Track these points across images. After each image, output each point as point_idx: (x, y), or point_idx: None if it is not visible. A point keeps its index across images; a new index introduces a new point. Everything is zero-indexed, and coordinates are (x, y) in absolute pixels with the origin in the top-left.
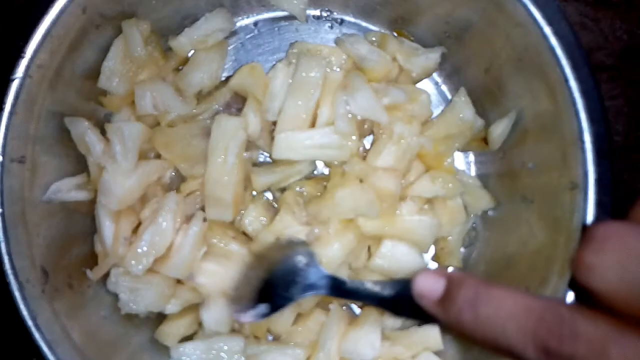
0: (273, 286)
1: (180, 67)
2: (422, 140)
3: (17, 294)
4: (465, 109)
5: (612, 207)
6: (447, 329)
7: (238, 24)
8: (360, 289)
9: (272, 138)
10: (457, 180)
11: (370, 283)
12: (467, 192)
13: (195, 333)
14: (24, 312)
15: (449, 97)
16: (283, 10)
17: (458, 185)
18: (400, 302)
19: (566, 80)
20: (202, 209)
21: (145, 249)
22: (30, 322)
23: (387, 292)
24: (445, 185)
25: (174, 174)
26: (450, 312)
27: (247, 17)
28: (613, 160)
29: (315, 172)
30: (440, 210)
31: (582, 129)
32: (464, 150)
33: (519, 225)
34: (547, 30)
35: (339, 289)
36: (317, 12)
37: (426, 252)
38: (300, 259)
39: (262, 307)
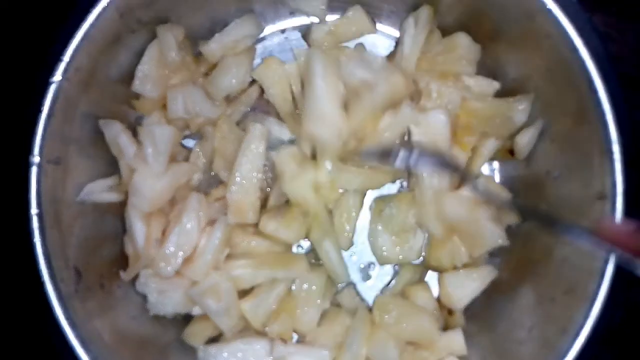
0: None
1: (208, 72)
2: (464, 92)
3: (52, 293)
4: (520, 114)
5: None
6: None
7: (266, 31)
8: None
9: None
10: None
11: None
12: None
13: (222, 334)
14: (59, 312)
15: None
16: (304, 14)
17: None
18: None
19: (595, 91)
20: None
21: (172, 249)
22: (65, 322)
23: None
24: None
25: (203, 175)
26: None
27: (275, 24)
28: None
29: None
30: None
31: (611, 140)
32: (490, 159)
33: (544, 234)
34: (578, 42)
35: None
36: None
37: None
38: None
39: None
